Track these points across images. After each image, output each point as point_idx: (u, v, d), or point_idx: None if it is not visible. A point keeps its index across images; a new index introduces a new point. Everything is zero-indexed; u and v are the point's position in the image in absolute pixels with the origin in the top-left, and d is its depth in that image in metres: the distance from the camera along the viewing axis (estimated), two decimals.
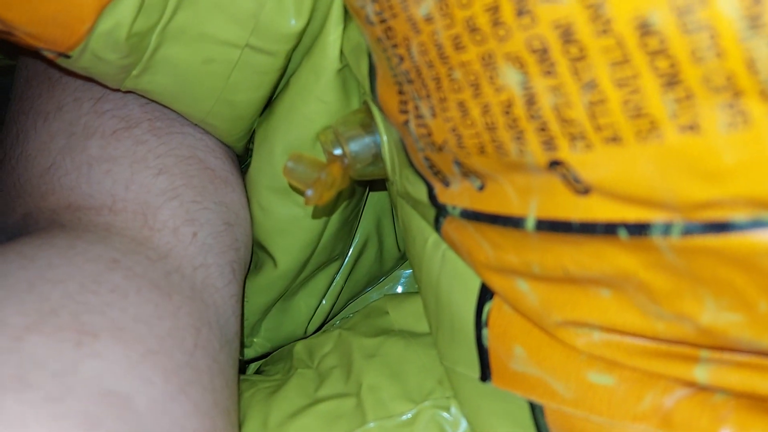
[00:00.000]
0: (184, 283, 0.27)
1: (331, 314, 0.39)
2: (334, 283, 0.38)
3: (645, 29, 0.14)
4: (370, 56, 0.24)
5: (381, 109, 0.24)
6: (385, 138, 0.25)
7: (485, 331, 0.23)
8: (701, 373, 0.18)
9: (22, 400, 0.19)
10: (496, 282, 0.22)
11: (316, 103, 0.29)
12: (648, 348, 0.19)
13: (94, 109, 0.30)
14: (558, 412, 0.21)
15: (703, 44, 0.13)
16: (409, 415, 0.27)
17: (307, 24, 0.27)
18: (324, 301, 0.38)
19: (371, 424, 0.27)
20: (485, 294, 0.23)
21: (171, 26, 0.26)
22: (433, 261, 0.26)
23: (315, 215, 0.33)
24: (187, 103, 0.29)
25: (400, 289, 0.42)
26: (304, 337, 0.38)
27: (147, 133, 0.30)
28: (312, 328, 0.38)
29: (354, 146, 0.26)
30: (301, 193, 0.31)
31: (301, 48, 0.29)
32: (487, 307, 0.23)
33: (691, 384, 0.18)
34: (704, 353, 0.18)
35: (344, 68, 0.28)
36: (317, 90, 0.28)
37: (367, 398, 0.28)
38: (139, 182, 0.28)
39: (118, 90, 0.29)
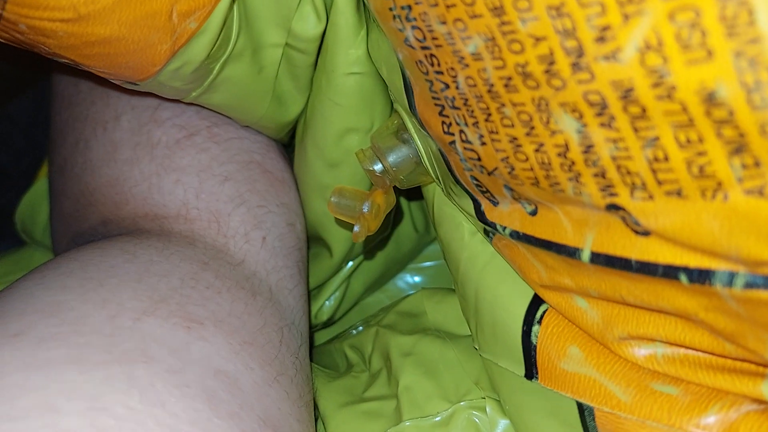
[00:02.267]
0: (263, 287, 0.28)
1: (344, 300, 0.39)
2: (347, 268, 0.38)
3: (711, 100, 0.14)
4: (403, 72, 0.24)
5: (423, 126, 0.24)
6: (420, 146, 0.25)
7: (536, 328, 0.24)
8: None
9: (150, 370, 0.21)
10: (551, 298, 0.22)
11: (330, 105, 0.29)
12: (714, 362, 0.19)
13: (154, 118, 0.31)
14: (611, 415, 0.22)
15: None
16: (445, 415, 0.27)
17: (326, 28, 0.28)
18: (351, 284, 0.39)
19: (407, 423, 0.27)
20: None
21: (234, 52, 0.27)
22: (481, 253, 0.26)
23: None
24: (243, 111, 0.30)
25: (417, 279, 0.42)
26: (313, 329, 0.38)
27: (208, 140, 0.31)
28: (323, 315, 0.38)
29: (392, 158, 0.26)
30: (350, 228, 0.31)
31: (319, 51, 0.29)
32: (544, 306, 0.24)
33: (759, 401, 0.19)
34: None
35: (362, 73, 0.28)
36: (329, 92, 0.29)
37: (404, 398, 0.28)
38: (208, 190, 0.30)
39: None
